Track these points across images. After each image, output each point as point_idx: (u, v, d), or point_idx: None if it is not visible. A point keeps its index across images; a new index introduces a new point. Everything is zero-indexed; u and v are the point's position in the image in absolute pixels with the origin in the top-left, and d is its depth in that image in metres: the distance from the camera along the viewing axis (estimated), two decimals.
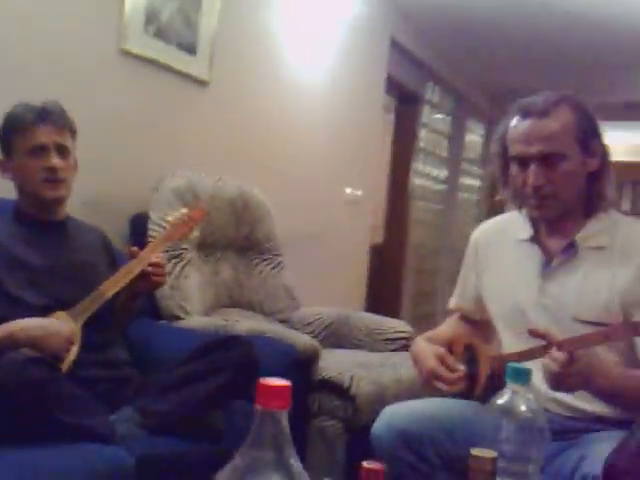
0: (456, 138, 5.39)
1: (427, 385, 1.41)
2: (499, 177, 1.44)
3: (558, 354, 1.15)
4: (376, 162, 4.13)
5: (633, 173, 6.08)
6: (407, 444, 1.32)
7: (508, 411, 0.88)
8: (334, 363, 2.04)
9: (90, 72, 2.10)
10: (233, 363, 1.49)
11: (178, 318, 2.11)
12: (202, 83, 2.54)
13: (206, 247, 2.33)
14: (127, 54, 2.20)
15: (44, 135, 1.52)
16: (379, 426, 1.38)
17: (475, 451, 0.77)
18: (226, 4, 2.57)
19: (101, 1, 2.12)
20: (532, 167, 1.32)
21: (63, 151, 1.55)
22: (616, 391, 1.24)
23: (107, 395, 1.50)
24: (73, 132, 1.58)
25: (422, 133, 4.74)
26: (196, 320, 2.08)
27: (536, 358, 1.25)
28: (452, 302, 1.63)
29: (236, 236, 2.43)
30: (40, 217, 1.59)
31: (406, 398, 2.07)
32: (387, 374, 2.07)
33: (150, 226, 2.15)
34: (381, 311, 3.16)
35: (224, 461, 1.63)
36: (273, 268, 2.53)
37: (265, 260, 2.52)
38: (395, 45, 4.04)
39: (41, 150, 1.52)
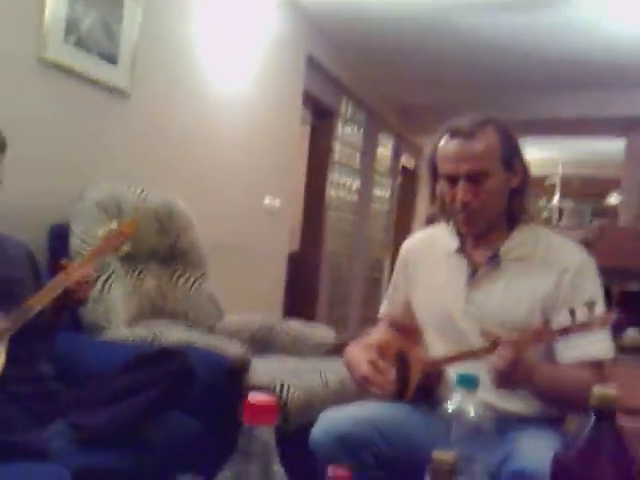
0: (368, 151, 5.56)
1: (361, 390, 1.49)
2: (429, 192, 1.53)
3: (506, 352, 1.23)
4: (294, 172, 4.21)
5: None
6: (345, 448, 1.37)
7: (458, 415, 0.95)
8: (263, 371, 2.07)
9: (8, 81, 2.04)
10: (169, 375, 1.49)
11: (101, 330, 2.07)
12: (123, 94, 2.52)
13: (129, 258, 2.30)
14: (46, 63, 2.15)
15: None
16: (318, 431, 1.42)
17: (436, 453, 0.83)
18: (147, 16, 2.56)
19: (20, 10, 2.07)
20: (460, 184, 1.42)
21: None
22: (549, 387, 1.34)
23: (35, 411, 1.47)
24: (4, 148, 1.54)
25: (336, 146, 4.87)
26: (122, 332, 2.06)
27: (463, 361, 1.35)
28: (382, 310, 1.71)
29: (160, 247, 2.42)
30: None
31: (334, 403, 2.13)
32: (315, 380, 2.12)
33: (72, 239, 2.10)
34: (298, 315, 3.27)
35: (159, 471, 1.62)
36: (197, 278, 2.53)
37: (189, 270, 2.51)
38: (311, 61, 4.15)
39: None
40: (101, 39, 2.37)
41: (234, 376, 1.90)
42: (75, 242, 2.08)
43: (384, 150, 6.04)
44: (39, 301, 1.51)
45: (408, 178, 6.90)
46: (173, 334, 2.06)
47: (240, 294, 3.29)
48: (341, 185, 5.09)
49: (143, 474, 1.47)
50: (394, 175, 6.42)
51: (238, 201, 3.47)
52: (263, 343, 2.50)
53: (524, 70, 4.71)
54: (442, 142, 1.46)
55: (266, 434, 0.64)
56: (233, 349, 1.94)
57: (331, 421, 1.43)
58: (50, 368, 1.63)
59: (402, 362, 1.47)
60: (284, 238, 4.13)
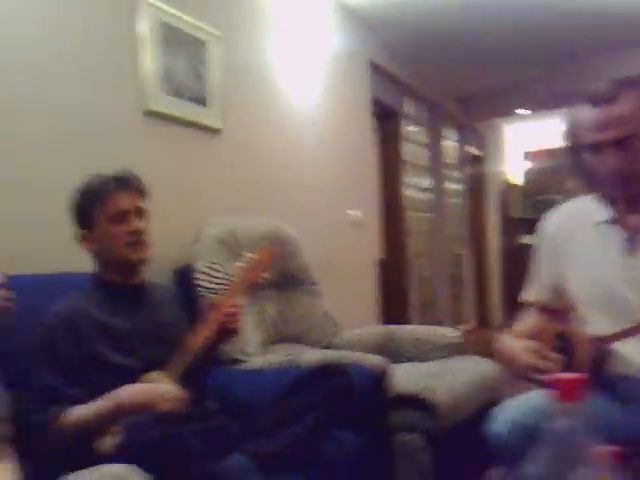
0: (434, 147, 5.53)
1: (524, 380, 1.46)
2: (571, 167, 1.48)
3: None
4: (370, 180, 4.24)
5: None
6: (530, 438, 1.35)
7: None
8: (401, 378, 2.09)
9: (119, 135, 2.16)
10: (334, 391, 1.53)
11: (238, 361, 2.13)
12: (216, 131, 2.62)
13: (249, 289, 2.36)
14: (150, 114, 2.26)
15: (125, 200, 1.57)
16: (499, 425, 1.39)
17: None
18: (227, 52, 2.66)
19: (121, 67, 2.18)
20: (609, 151, 1.36)
21: (141, 214, 1.60)
22: None
23: (213, 445, 1.52)
24: (147, 195, 1.63)
25: (404, 146, 4.87)
26: (260, 360, 2.11)
27: (634, 336, 1.31)
28: (528, 294, 1.64)
29: (274, 273, 2.48)
30: (122, 282, 1.63)
31: (480, 400, 2.12)
32: (456, 380, 2.12)
33: (197, 276, 2.18)
34: (393, 322, 3.24)
35: None
36: (311, 298, 2.58)
37: (303, 292, 2.57)
38: (373, 66, 4.18)
39: (123, 216, 1.57)
40: (191, 84, 2.47)
41: (377, 385, 1.93)
42: (202, 280, 2.16)
43: (449, 143, 6.00)
44: (196, 341, 1.58)
45: (477, 166, 6.82)
46: (306, 356, 2.10)
47: (336, 307, 3.32)
48: (413, 185, 5.09)
49: None
50: (463, 166, 6.36)
51: (325, 217, 3.52)
52: (386, 352, 2.51)
53: (580, 33, 4.57)
54: (582, 112, 1.41)
55: (578, 410, 0.60)
56: (372, 360, 1.97)
57: (509, 412, 1.39)
58: (214, 404, 1.69)
59: (565, 343, 1.40)
60: (372, 247, 4.16)
